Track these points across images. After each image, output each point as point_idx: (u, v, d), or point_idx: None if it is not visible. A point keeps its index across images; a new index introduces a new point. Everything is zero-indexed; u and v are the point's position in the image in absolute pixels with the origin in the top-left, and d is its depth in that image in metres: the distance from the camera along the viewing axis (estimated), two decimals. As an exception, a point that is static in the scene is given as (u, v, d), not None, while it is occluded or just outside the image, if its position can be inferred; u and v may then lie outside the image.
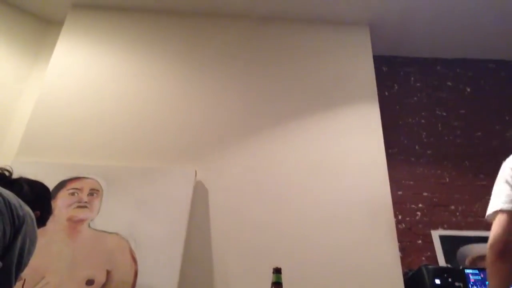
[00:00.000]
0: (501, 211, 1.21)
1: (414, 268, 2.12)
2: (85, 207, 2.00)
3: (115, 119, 2.36)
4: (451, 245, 2.39)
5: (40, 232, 1.24)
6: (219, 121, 2.40)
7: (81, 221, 1.96)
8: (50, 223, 1.44)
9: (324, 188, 2.20)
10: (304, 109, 2.45)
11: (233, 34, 2.73)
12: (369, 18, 2.78)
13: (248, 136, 2.36)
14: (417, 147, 2.76)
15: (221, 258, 1.99)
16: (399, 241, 2.16)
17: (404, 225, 2.47)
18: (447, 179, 2.65)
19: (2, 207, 1.04)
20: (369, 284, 1.93)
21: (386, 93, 2.95)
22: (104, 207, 2.01)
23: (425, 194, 2.59)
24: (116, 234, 1.92)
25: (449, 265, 2.25)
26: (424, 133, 2.82)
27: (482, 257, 2.33)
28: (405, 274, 2.03)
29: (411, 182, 2.62)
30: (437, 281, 1.87)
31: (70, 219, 1.95)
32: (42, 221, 1.32)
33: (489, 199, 1.29)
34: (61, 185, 2.05)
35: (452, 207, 2.54)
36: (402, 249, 2.32)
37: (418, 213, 2.52)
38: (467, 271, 1.96)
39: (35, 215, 1.21)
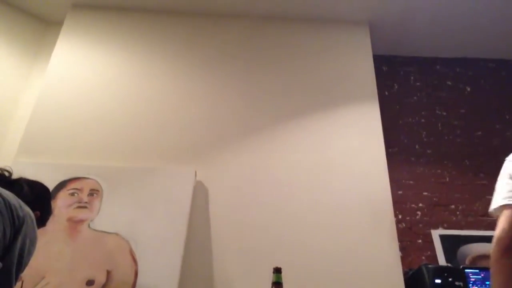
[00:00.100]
0: (507, 206, 1.19)
1: (414, 267, 2.11)
2: (85, 207, 2.00)
3: (115, 119, 2.36)
4: (451, 244, 2.39)
5: (40, 232, 1.23)
6: (219, 121, 2.40)
7: (81, 221, 1.95)
8: (50, 223, 1.45)
9: (324, 187, 2.19)
10: (304, 108, 2.45)
11: (233, 34, 2.73)
12: (369, 17, 2.78)
13: (248, 136, 2.36)
14: (417, 146, 2.76)
15: (221, 258, 1.99)
16: (399, 240, 2.16)
17: (404, 225, 2.47)
18: (447, 179, 2.64)
19: (2, 208, 1.04)
20: (369, 283, 1.93)
21: (386, 93, 2.94)
22: (104, 207, 2.01)
23: (425, 193, 2.59)
24: (116, 234, 1.92)
25: (449, 265, 2.24)
26: (424, 133, 2.82)
27: (482, 257, 2.33)
28: (405, 274, 2.02)
29: (411, 182, 2.62)
30: (437, 281, 1.87)
31: (70, 219, 1.95)
32: (42, 221, 1.32)
33: (489, 198, 1.29)
34: (61, 185, 2.05)
35: (452, 206, 2.54)
36: (402, 249, 2.32)
37: (418, 212, 2.52)
38: (467, 270, 1.96)
39: (35, 215, 1.21)
